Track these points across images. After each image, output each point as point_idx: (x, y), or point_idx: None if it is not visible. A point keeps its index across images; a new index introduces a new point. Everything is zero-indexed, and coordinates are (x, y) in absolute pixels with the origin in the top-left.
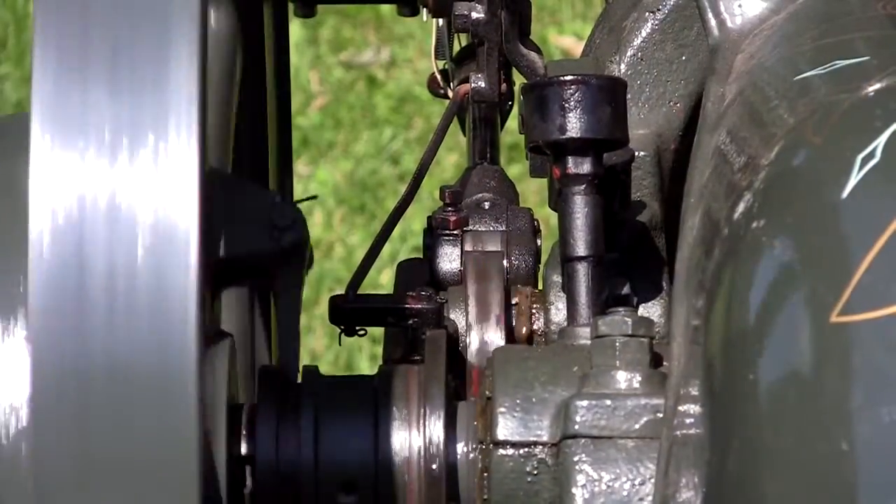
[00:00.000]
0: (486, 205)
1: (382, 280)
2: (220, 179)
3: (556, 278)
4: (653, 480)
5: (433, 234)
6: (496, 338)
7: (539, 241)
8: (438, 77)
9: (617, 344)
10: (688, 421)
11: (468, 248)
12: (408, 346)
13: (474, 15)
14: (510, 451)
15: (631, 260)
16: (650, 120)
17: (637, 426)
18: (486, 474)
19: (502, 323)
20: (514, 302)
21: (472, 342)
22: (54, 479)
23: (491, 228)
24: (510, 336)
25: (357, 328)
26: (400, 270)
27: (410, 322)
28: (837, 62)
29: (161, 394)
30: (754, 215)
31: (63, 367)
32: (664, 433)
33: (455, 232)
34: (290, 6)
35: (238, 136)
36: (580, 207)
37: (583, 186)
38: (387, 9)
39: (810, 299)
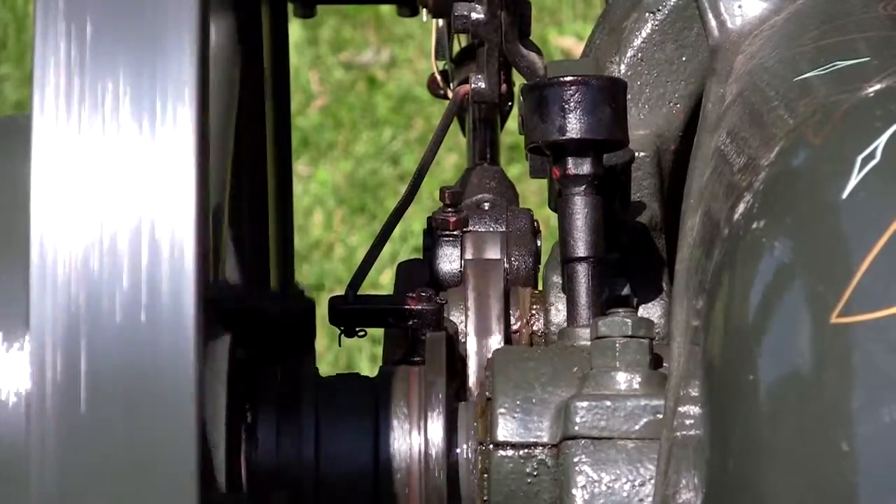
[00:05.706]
0: (486, 205)
1: (382, 280)
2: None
3: (556, 279)
4: (653, 481)
5: (433, 234)
6: (496, 339)
7: (539, 242)
8: (438, 77)
9: (617, 345)
10: (688, 422)
11: (468, 251)
12: (408, 347)
13: (474, 15)
14: (510, 452)
15: (631, 260)
16: (650, 121)
17: (637, 427)
18: (486, 475)
19: (502, 324)
20: (513, 303)
21: (472, 343)
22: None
23: (491, 229)
24: (510, 337)
25: (357, 329)
26: (400, 271)
27: (410, 323)
28: (838, 63)
29: (161, 394)
30: (754, 216)
31: (63, 366)
32: (664, 434)
33: (455, 233)
34: (290, 6)
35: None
36: (580, 208)
37: (583, 187)
38: (387, 9)
39: (810, 300)
